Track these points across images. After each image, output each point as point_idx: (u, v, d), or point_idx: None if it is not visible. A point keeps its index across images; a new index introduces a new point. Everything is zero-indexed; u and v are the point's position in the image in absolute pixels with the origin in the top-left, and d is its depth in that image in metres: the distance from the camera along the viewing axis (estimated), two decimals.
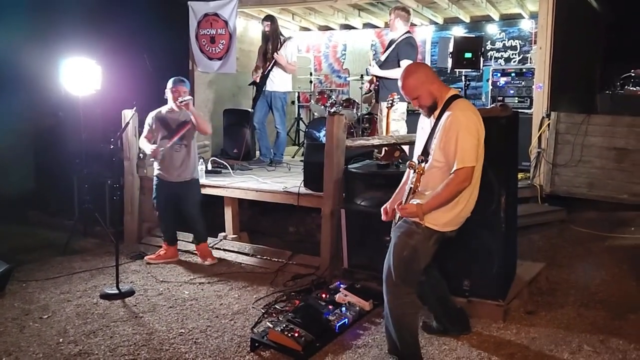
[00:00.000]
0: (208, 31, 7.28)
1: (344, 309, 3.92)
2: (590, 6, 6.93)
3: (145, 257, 5.38)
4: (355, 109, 7.86)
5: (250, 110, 7.26)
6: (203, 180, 5.79)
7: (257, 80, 6.98)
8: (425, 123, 3.25)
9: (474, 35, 7.45)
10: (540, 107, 6.00)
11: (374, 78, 6.30)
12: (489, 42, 8.25)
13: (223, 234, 5.90)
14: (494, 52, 8.30)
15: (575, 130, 5.93)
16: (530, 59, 7.85)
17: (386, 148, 5.06)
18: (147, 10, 7.35)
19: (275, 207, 5.84)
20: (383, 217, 3.28)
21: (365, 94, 7.46)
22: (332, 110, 7.68)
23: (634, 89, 6.13)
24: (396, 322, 3.18)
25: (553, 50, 5.88)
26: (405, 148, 5.38)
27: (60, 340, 3.74)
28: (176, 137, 5.09)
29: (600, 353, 3.37)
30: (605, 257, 4.83)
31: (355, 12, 8.48)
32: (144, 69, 6.88)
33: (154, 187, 5.28)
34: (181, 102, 5.00)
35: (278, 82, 6.97)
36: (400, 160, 4.64)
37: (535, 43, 7.37)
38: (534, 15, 7.58)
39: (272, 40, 6.91)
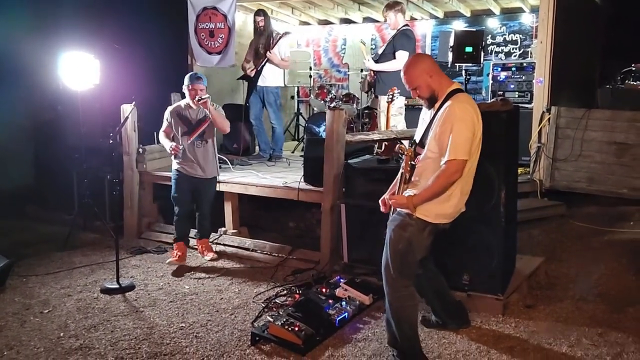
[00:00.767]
0: (207, 25, 7.26)
1: (344, 303, 3.93)
2: (591, 0, 6.91)
3: (168, 262, 5.15)
4: (355, 104, 7.85)
5: (242, 105, 7.23)
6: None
7: (251, 75, 6.93)
8: (426, 114, 3.26)
9: (474, 30, 7.43)
10: (541, 102, 6.00)
11: (372, 73, 6.28)
12: (490, 36, 8.23)
13: (223, 229, 5.91)
14: (495, 46, 8.28)
15: (576, 125, 5.92)
16: (531, 53, 7.84)
17: (386, 143, 5.06)
18: (145, 4, 7.33)
19: (275, 202, 5.84)
20: (382, 209, 3.28)
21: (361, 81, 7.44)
22: (332, 105, 7.66)
23: (635, 83, 6.13)
24: (395, 314, 3.20)
25: (554, 44, 5.87)
26: (405, 143, 5.37)
27: (61, 334, 3.76)
28: (196, 134, 5.02)
29: (599, 346, 3.38)
30: (605, 252, 4.84)
31: (355, 6, 8.46)
32: (143, 63, 6.86)
33: (174, 182, 5.16)
34: (199, 100, 4.91)
35: (270, 77, 6.93)
36: (400, 155, 4.63)
37: (536, 37, 7.36)
38: (534, 9, 7.56)
39: (265, 35, 6.87)
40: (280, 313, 3.73)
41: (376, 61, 6.06)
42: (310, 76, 9.07)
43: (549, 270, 4.52)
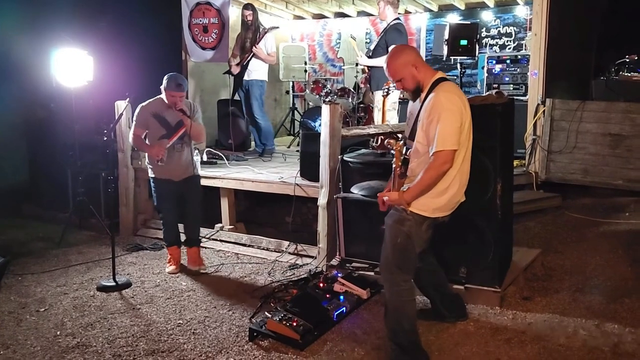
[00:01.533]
0: (201, 20, 7.23)
1: (341, 297, 3.94)
2: None
3: (168, 271, 4.87)
4: (350, 98, 7.84)
5: (237, 100, 7.20)
6: (199, 171, 5.75)
7: (235, 72, 6.91)
8: (413, 108, 3.21)
9: (469, 22, 7.42)
10: (536, 94, 6.00)
11: (366, 68, 6.26)
12: (484, 29, 8.23)
13: (219, 224, 5.90)
14: (489, 39, 8.28)
15: (570, 117, 5.94)
16: (525, 45, 7.84)
17: (382, 137, 5.05)
18: (139, 0, 7.28)
19: (272, 198, 5.83)
20: (381, 208, 3.22)
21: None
22: (327, 99, 7.65)
23: (629, 74, 6.14)
24: (394, 310, 3.18)
25: (548, 36, 5.87)
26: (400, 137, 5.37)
27: (58, 333, 3.74)
28: (176, 137, 4.63)
29: (596, 337, 3.40)
30: (600, 243, 4.86)
31: None
32: (137, 59, 6.82)
33: (155, 192, 4.81)
34: (179, 109, 4.52)
35: (255, 71, 6.90)
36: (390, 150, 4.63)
37: (530, 30, 7.36)
38: (528, 2, 7.56)
39: (252, 30, 6.84)
40: (278, 308, 3.72)
41: (369, 57, 6.04)
42: (305, 71, 9.06)
43: (546, 262, 4.54)
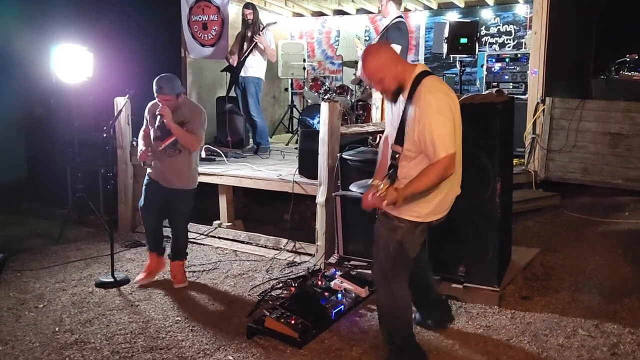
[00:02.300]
0: (200, 17, 7.22)
1: (339, 295, 3.93)
2: None
3: (136, 280, 4.53)
4: (349, 96, 7.83)
5: (234, 97, 7.18)
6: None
7: (233, 65, 6.88)
8: (395, 108, 2.95)
9: (469, 21, 7.42)
10: (535, 93, 6.00)
11: None
12: (484, 27, 8.20)
13: (218, 221, 5.89)
14: (489, 37, 8.26)
15: (570, 116, 5.93)
16: (525, 44, 7.83)
17: (380, 135, 5.04)
18: None
19: (270, 195, 5.82)
20: (364, 205, 2.98)
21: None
22: (326, 97, 7.63)
23: (629, 73, 6.14)
24: (391, 316, 3.09)
25: (548, 35, 5.86)
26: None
27: (56, 329, 3.74)
28: (169, 141, 4.28)
29: (595, 337, 3.39)
30: (600, 242, 4.86)
31: None
32: (136, 56, 6.81)
33: (144, 188, 4.56)
34: (164, 121, 4.20)
35: (252, 68, 6.86)
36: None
37: (530, 28, 7.34)
38: (528, 0, 7.54)
39: (252, 28, 6.82)
40: (276, 306, 3.71)
41: None
42: (304, 68, 9.03)
43: (545, 261, 4.54)
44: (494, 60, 7.09)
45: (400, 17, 6.00)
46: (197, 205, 5.32)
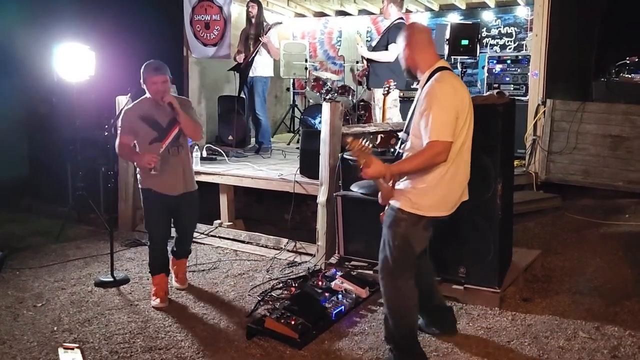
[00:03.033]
0: (203, 17, 7.21)
1: (340, 296, 3.92)
2: None
3: (153, 306, 4.06)
4: (350, 96, 7.82)
5: (234, 95, 7.18)
6: (198, 167, 5.74)
7: (241, 66, 6.89)
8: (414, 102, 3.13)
9: (470, 22, 7.41)
10: (536, 95, 6.00)
11: (365, 64, 6.23)
12: (485, 29, 8.21)
13: (218, 221, 5.89)
14: (490, 39, 8.27)
15: (571, 118, 5.93)
16: (526, 46, 7.82)
17: (382, 135, 5.04)
18: None
19: (271, 195, 5.82)
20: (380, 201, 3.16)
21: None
22: (328, 97, 7.63)
23: (629, 76, 6.13)
24: (395, 314, 3.09)
25: (549, 37, 5.86)
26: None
27: (55, 328, 3.73)
28: (170, 138, 3.98)
29: (596, 340, 3.39)
30: (600, 244, 4.85)
31: None
32: (138, 55, 6.79)
33: (146, 206, 4.15)
34: (168, 103, 3.89)
35: (260, 67, 6.88)
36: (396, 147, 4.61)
37: (531, 30, 7.34)
38: (529, 2, 7.54)
39: (255, 25, 6.82)
40: (276, 306, 3.71)
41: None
42: (306, 68, 9.03)
43: (545, 263, 4.53)
44: (495, 62, 7.09)
45: (402, 18, 6.03)
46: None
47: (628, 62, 6.20)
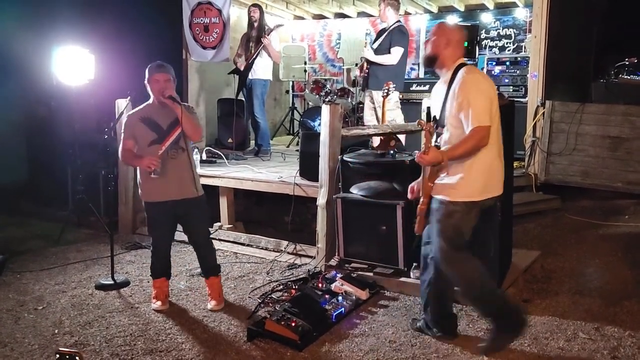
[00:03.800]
0: (202, 20, 7.22)
1: (340, 298, 3.93)
2: None
3: (153, 309, 4.07)
4: (350, 98, 7.84)
5: (238, 100, 7.19)
6: (198, 170, 5.73)
7: (241, 69, 6.90)
8: (438, 90, 3.30)
9: (469, 24, 7.43)
10: (535, 96, 6.01)
11: (365, 65, 6.25)
12: (483, 30, 8.22)
13: (218, 223, 5.89)
14: (489, 40, 8.28)
15: (570, 119, 5.94)
16: (525, 47, 7.84)
17: (381, 137, 5.05)
18: None
19: (271, 197, 5.82)
20: (409, 195, 3.40)
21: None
22: (327, 99, 7.64)
23: (628, 77, 6.14)
24: (474, 289, 3.24)
25: (548, 38, 5.88)
26: (402, 137, 5.37)
27: (56, 331, 3.73)
28: (170, 140, 3.88)
29: (596, 340, 3.39)
30: (600, 245, 4.86)
31: (350, 0, 8.44)
32: (138, 58, 6.80)
33: (149, 216, 4.10)
34: (168, 96, 3.81)
35: (259, 69, 6.89)
36: (396, 149, 4.63)
37: (529, 32, 7.36)
38: (528, 4, 7.56)
39: (257, 29, 6.83)
40: (277, 309, 3.71)
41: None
42: (305, 70, 9.05)
43: (545, 264, 4.54)
44: (494, 63, 7.11)
45: (399, 21, 6.07)
46: None
47: (627, 63, 6.21)
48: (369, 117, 6.24)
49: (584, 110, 5.92)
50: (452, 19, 8.41)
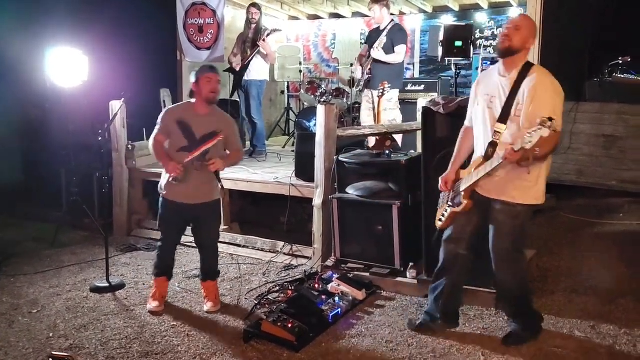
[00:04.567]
0: (196, 21, 7.20)
1: (337, 299, 3.93)
2: None
3: (149, 309, 4.05)
4: (345, 98, 7.83)
5: (233, 100, 7.17)
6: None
7: (237, 69, 6.88)
8: (490, 88, 3.20)
9: (464, 24, 7.43)
10: None
11: (368, 66, 6.23)
12: (478, 30, 8.23)
13: None
14: (483, 40, 8.29)
15: (564, 118, 5.93)
16: None
17: (377, 137, 5.05)
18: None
19: (267, 198, 5.81)
20: (441, 187, 3.40)
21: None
22: (323, 99, 7.64)
23: (622, 76, 6.16)
24: (521, 285, 3.35)
25: (542, 38, 5.87)
26: (397, 137, 5.37)
27: (51, 334, 3.71)
28: (197, 153, 3.78)
29: (592, 338, 3.40)
30: (595, 244, 4.88)
31: (345, 0, 8.44)
32: (132, 59, 6.79)
33: (160, 205, 4.07)
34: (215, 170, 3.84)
35: (255, 70, 6.87)
36: (391, 150, 4.62)
37: None
38: (522, 4, 7.57)
39: (254, 30, 6.82)
40: (273, 310, 3.71)
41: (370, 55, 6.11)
42: (300, 71, 9.04)
43: (541, 263, 4.55)
44: (488, 63, 7.12)
45: (393, 20, 6.11)
46: None
47: (621, 62, 6.23)
48: (365, 118, 6.23)
49: (578, 109, 5.93)
50: (447, 19, 8.42)
